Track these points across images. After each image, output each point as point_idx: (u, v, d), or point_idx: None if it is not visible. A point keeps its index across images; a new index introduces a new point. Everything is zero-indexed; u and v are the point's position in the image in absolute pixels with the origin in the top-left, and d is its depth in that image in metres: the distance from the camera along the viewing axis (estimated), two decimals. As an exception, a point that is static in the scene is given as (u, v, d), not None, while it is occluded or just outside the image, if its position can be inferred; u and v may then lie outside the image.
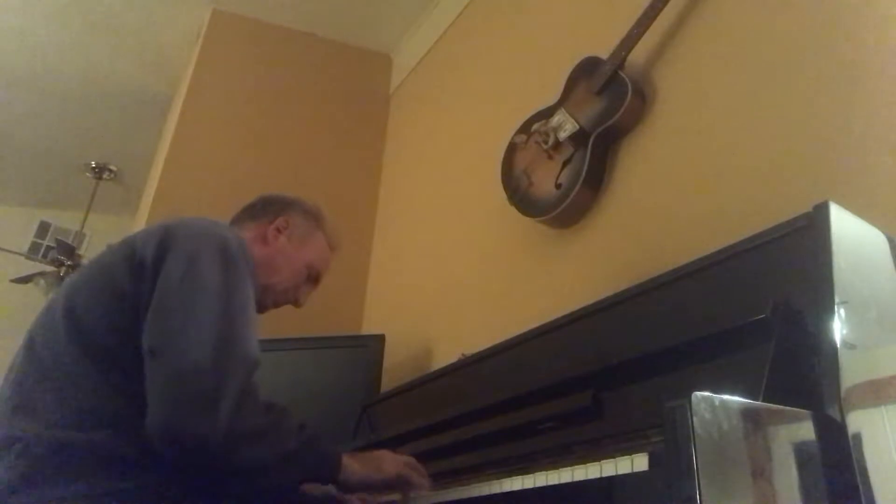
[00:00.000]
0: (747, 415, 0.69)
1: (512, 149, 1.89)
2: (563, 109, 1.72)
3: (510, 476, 0.96)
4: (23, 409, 1.01)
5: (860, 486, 0.70)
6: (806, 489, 0.69)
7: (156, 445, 0.96)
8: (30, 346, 1.08)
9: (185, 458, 0.97)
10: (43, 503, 0.93)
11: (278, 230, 1.36)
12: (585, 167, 1.61)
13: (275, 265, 1.33)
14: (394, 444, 1.43)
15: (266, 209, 1.40)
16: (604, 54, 1.63)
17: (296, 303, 1.41)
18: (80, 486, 0.94)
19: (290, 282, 1.37)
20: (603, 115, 1.60)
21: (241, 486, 1.05)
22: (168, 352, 0.98)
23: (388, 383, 2.08)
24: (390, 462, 1.15)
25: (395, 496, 1.20)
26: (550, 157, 1.72)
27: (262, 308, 1.35)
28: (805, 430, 0.73)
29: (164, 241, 1.08)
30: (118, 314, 1.04)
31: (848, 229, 0.88)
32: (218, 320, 1.01)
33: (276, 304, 1.38)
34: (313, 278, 1.42)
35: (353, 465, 1.10)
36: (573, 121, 1.67)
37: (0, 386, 1.08)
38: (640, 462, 0.75)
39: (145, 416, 0.97)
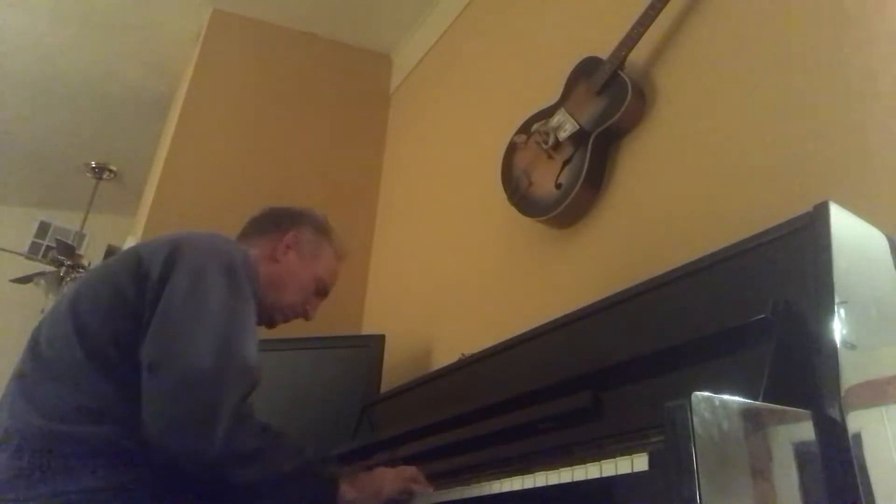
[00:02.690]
0: (747, 415, 0.69)
1: (512, 149, 1.89)
2: (563, 109, 1.72)
3: (510, 476, 0.96)
4: (24, 405, 1.02)
5: (860, 486, 0.70)
6: (806, 489, 0.69)
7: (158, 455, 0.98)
8: (34, 345, 1.10)
9: (181, 467, 0.99)
10: (44, 497, 0.93)
11: (288, 247, 1.36)
12: (585, 167, 1.61)
13: (284, 282, 1.34)
14: (394, 444, 1.43)
15: (276, 224, 1.40)
16: (604, 54, 1.63)
17: (305, 316, 1.42)
18: (80, 480, 0.95)
19: (298, 297, 1.37)
20: (603, 115, 1.60)
21: (238, 498, 1.06)
22: (167, 368, 0.99)
23: (388, 383, 2.08)
24: (390, 481, 1.15)
25: None
26: (550, 157, 1.72)
27: (272, 324, 1.37)
28: (805, 430, 0.73)
29: (171, 256, 1.10)
30: (120, 324, 1.05)
31: (848, 229, 0.88)
32: (219, 339, 1.02)
33: (287, 320, 1.39)
34: (321, 291, 1.43)
35: (351, 493, 1.10)
36: (573, 121, 1.67)
37: (6, 384, 1.09)
38: (640, 462, 0.75)
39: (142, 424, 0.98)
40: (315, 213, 1.46)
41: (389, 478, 1.16)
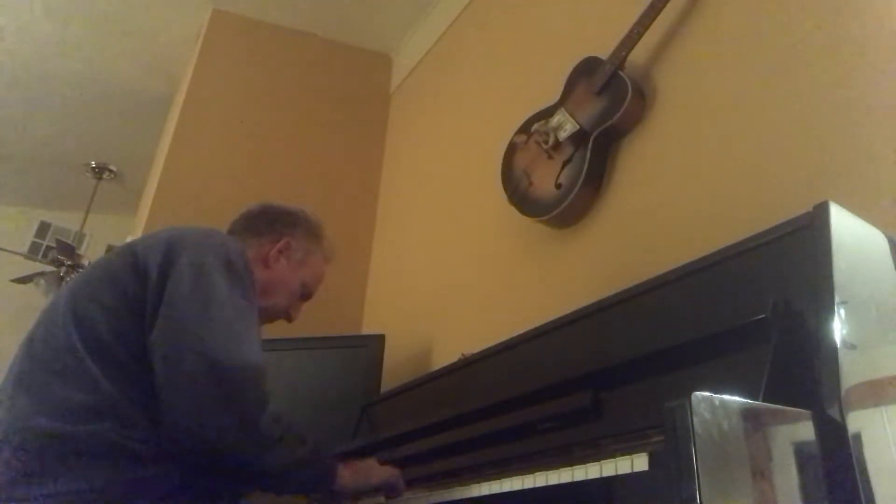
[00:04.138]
0: (747, 415, 0.69)
1: (512, 149, 1.89)
2: (563, 109, 1.72)
3: (510, 476, 0.96)
4: (22, 405, 1.02)
5: (860, 486, 0.70)
6: (806, 489, 0.69)
7: (175, 445, 0.99)
8: (30, 345, 1.09)
9: (204, 457, 1.00)
10: (44, 497, 0.93)
11: (280, 252, 1.36)
12: (585, 167, 1.61)
13: (273, 289, 1.35)
14: (394, 444, 1.43)
15: (271, 227, 1.39)
16: (604, 54, 1.63)
17: (288, 318, 1.42)
18: (81, 479, 0.95)
19: (285, 302, 1.38)
20: (603, 115, 1.60)
21: (247, 487, 1.08)
22: (183, 359, 1.00)
23: (388, 383, 2.08)
24: (378, 471, 1.21)
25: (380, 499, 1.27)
26: (550, 157, 1.72)
27: None
28: (805, 430, 0.73)
29: (169, 251, 1.10)
30: (122, 320, 1.06)
31: (848, 229, 0.88)
32: (230, 327, 1.04)
33: (270, 321, 1.40)
34: (306, 295, 1.43)
35: (346, 476, 1.15)
36: (573, 121, 1.67)
37: (0, 384, 1.09)
38: (640, 462, 0.75)
39: (147, 412, 1.00)
40: (309, 215, 1.46)
41: (378, 468, 1.22)
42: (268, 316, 1.37)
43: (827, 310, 0.79)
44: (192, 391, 0.98)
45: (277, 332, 1.54)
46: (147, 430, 0.99)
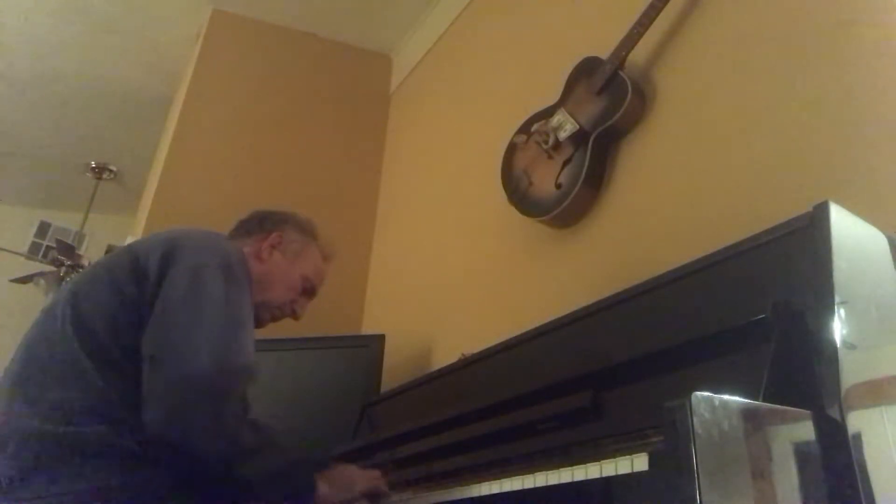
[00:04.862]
0: (747, 415, 0.69)
1: (512, 149, 1.89)
2: (563, 109, 1.72)
3: (510, 476, 0.96)
4: (19, 406, 1.02)
5: (860, 486, 0.70)
6: (806, 489, 0.69)
7: (157, 445, 0.99)
8: (28, 346, 1.09)
9: (182, 460, 1.01)
10: (43, 498, 0.93)
11: (272, 246, 1.38)
12: (585, 167, 1.61)
13: (270, 281, 1.35)
14: (394, 444, 1.43)
15: (261, 225, 1.42)
16: (604, 54, 1.63)
17: (293, 315, 1.43)
18: (80, 480, 0.95)
19: (285, 296, 1.39)
20: (603, 115, 1.60)
21: (232, 494, 1.08)
22: (170, 360, 1.00)
23: (388, 383, 2.08)
24: (360, 479, 1.20)
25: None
26: (550, 157, 1.72)
27: (260, 323, 1.38)
28: (805, 430, 0.73)
29: (168, 253, 1.11)
30: (121, 322, 1.07)
31: (848, 229, 0.88)
32: (221, 332, 1.04)
33: (274, 319, 1.41)
34: (309, 291, 1.44)
35: (325, 487, 1.14)
36: (573, 121, 1.67)
37: None
38: (640, 462, 0.75)
39: (142, 415, 0.99)
40: (299, 215, 1.48)
41: (359, 475, 1.21)
42: (270, 312, 1.38)
43: (827, 310, 0.79)
44: (171, 394, 0.98)
45: (277, 332, 1.54)
46: (143, 431, 1.00)
